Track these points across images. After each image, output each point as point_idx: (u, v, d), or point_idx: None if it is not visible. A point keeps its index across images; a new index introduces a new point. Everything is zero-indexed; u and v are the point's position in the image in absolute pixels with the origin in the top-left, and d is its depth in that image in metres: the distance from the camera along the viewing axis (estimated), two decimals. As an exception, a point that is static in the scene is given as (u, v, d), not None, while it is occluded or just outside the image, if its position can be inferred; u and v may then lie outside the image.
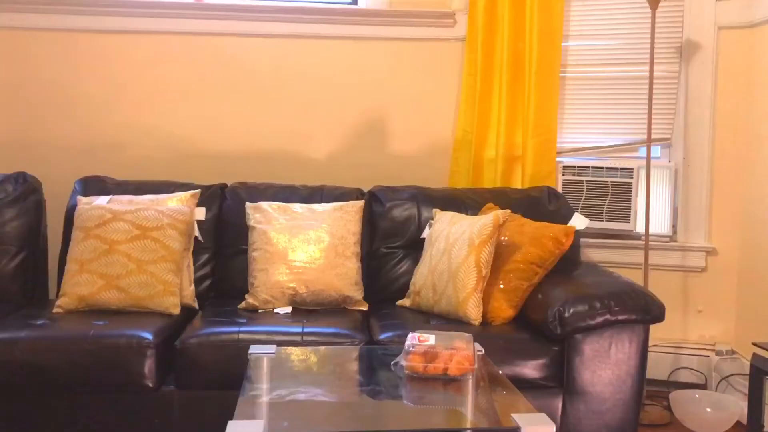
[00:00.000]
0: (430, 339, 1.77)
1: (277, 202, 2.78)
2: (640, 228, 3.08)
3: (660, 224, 3.20)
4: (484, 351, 1.93)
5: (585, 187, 3.17)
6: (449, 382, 1.69)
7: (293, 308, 2.62)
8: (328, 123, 3.25)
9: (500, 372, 1.80)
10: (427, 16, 3.24)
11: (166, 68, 3.18)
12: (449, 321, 2.46)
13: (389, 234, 2.89)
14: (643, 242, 2.98)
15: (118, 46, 3.14)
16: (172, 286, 2.51)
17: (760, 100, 3.00)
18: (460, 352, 1.72)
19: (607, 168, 3.16)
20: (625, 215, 3.13)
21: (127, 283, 2.46)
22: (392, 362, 1.80)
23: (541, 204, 2.91)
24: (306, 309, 2.62)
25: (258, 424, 1.38)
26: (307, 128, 3.24)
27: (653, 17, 2.93)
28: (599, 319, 2.21)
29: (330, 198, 2.87)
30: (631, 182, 3.11)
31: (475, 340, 2.00)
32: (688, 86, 3.15)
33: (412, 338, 1.77)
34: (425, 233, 2.80)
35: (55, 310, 2.49)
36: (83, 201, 2.69)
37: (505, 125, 3.15)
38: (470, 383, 1.70)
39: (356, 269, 2.71)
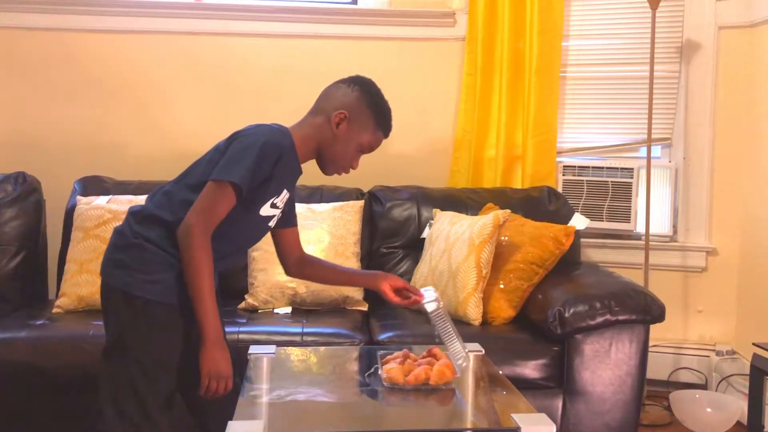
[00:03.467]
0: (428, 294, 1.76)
1: (277, 202, 2.78)
2: (640, 228, 3.08)
3: (660, 224, 3.20)
4: (484, 351, 1.93)
5: (585, 187, 3.17)
6: (431, 392, 1.62)
7: (293, 308, 2.62)
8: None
9: (500, 372, 1.80)
10: (427, 15, 3.24)
11: (166, 68, 3.17)
12: (449, 321, 2.46)
13: (389, 234, 2.89)
14: (644, 242, 2.98)
15: (118, 45, 3.14)
16: (172, 286, 2.51)
17: (760, 100, 3.00)
18: (440, 361, 1.67)
19: (607, 168, 3.15)
20: (626, 215, 3.13)
21: (126, 283, 2.46)
22: (366, 373, 1.75)
23: (541, 204, 2.91)
24: (306, 309, 2.62)
25: (258, 424, 1.37)
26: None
27: (653, 17, 2.93)
28: (599, 320, 2.20)
29: (330, 198, 2.87)
30: (631, 182, 3.11)
31: (475, 340, 1.99)
32: (688, 86, 3.14)
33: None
34: (425, 233, 2.80)
35: (54, 310, 2.49)
36: (83, 201, 2.68)
37: (505, 125, 3.15)
38: (455, 391, 1.64)
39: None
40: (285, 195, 1.72)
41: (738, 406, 2.61)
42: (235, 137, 1.65)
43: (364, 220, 2.85)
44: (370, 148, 1.75)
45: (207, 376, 1.55)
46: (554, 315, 2.23)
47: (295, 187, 1.83)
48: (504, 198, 2.90)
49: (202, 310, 1.55)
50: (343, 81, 1.75)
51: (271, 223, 1.76)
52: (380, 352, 1.80)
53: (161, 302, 1.60)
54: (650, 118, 2.99)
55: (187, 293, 1.57)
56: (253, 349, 1.90)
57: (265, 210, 1.68)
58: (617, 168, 3.14)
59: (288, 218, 1.85)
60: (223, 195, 1.57)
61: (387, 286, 1.83)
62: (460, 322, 2.44)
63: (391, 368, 1.65)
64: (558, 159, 3.20)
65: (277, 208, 1.72)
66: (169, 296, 1.60)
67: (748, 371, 2.38)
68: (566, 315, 2.20)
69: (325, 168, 1.76)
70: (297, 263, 1.91)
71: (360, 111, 1.70)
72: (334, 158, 1.73)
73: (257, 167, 1.58)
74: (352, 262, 2.70)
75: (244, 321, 2.43)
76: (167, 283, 1.60)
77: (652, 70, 2.96)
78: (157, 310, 1.60)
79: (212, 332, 1.55)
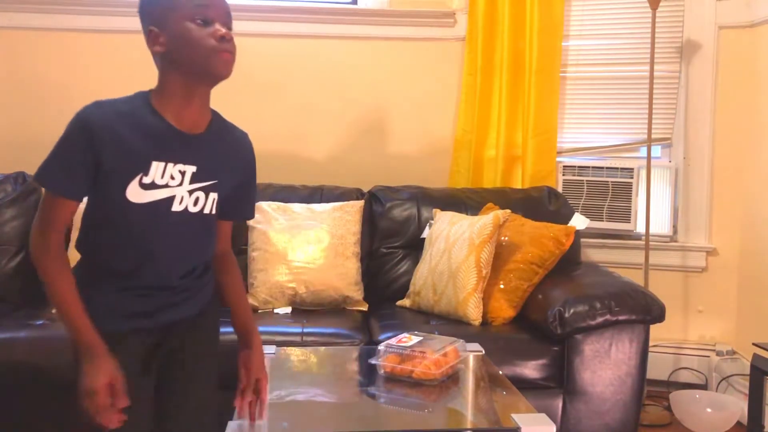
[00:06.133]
0: (412, 340, 1.77)
1: (277, 202, 2.78)
2: (640, 228, 3.08)
3: (660, 224, 3.20)
4: (484, 351, 1.93)
5: (585, 187, 3.17)
6: (416, 385, 1.68)
7: (293, 308, 2.62)
8: (328, 123, 3.24)
9: (500, 372, 1.80)
10: (427, 15, 3.24)
11: (165, 68, 3.17)
12: (449, 321, 2.46)
13: (389, 234, 2.88)
14: (644, 242, 2.98)
15: (118, 46, 3.14)
16: (172, 286, 2.50)
17: (760, 100, 3.00)
18: (429, 357, 1.70)
19: (607, 168, 3.15)
20: (626, 215, 3.13)
21: (126, 283, 2.46)
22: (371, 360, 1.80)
23: (541, 204, 2.91)
24: (306, 309, 2.62)
25: (258, 424, 1.37)
26: (307, 128, 3.24)
27: (653, 17, 2.93)
28: (599, 320, 2.20)
29: (330, 198, 2.87)
30: (631, 182, 3.11)
31: (475, 341, 1.99)
32: (688, 86, 3.14)
33: (397, 340, 1.78)
34: (425, 233, 2.80)
35: (54, 310, 2.49)
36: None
37: (505, 125, 3.15)
38: (451, 389, 1.68)
39: (356, 269, 2.71)
40: (172, 168, 1.37)
41: (738, 407, 2.61)
42: None
43: (364, 220, 2.85)
44: (201, 12, 1.36)
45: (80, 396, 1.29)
46: (554, 315, 2.23)
47: (204, 151, 1.43)
48: (504, 198, 2.90)
49: (62, 318, 1.35)
50: None
51: (188, 207, 1.40)
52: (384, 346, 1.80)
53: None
54: (650, 118, 2.99)
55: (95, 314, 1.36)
56: (253, 349, 1.90)
57: (136, 194, 1.35)
58: (617, 168, 3.14)
59: (233, 208, 1.53)
60: (48, 201, 1.35)
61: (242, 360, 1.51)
62: (460, 322, 2.44)
63: (388, 357, 1.72)
64: (558, 159, 3.20)
65: (164, 186, 1.37)
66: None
67: (748, 371, 2.38)
68: (566, 315, 2.20)
69: (209, 72, 1.38)
70: (216, 255, 1.57)
71: (153, 7, 1.44)
72: (196, 56, 1.35)
73: (62, 155, 1.35)
74: (352, 262, 2.70)
75: (244, 321, 2.42)
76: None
77: (652, 70, 2.96)
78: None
79: (79, 340, 1.33)
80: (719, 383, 2.94)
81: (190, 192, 1.41)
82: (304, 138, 3.23)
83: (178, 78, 1.38)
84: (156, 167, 1.36)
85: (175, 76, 1.38)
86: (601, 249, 3.20)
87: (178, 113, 1.40)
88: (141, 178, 1.35)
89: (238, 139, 1.53)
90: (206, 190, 1.43)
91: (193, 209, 1.41)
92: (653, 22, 2.93)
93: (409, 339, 1.78)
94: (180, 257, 1.45)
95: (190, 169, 1.40)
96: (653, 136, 3.04)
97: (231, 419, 1.40)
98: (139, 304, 1.42)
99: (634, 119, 3.19)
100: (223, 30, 1.35)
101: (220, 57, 1.35)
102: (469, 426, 1.52)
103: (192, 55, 1.35)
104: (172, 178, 1.38)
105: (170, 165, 1.37)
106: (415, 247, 2.82)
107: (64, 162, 1.33)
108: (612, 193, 3.14)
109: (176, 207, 1.39)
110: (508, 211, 2.54)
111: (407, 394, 1.64)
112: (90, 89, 3.14)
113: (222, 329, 1.61)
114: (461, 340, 1.84)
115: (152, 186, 1.36)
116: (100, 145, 1.33)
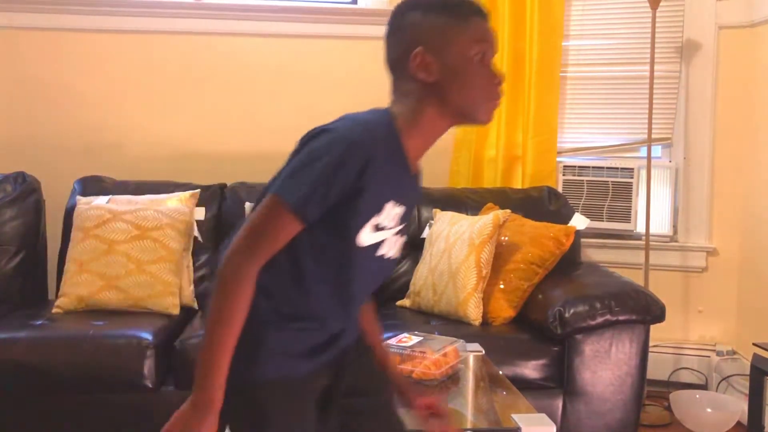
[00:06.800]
0: (412, 340, 1.77)
1: (277, 202, 2.77)
2: (640, 228, 3.08)
3: (660, 224, 3.20)
4: (484, 351, 1.93)
5: (585, 187, 3.17)
6: (428, 390, 1.68)
7: (293, 308, 2.61)
8: (327, 122, 3.23)
9: (500, 372, 1.80)
10: (427, 15, 3.23)
11: (165, 68, 3.17)
12: (449, 321, 2.46)
13: (389, 234, 2.88)
14: (644, 242, 2.98)
15: (118, 45, 3.14)
16: (172, 287, 2.50)
17: (761, 100, 2.99)
18: (429, 357, 1.71)
19: (607, 168, 3.15)
20: (626, 215, 3.12)
21: (126, 283, 2.46)
22: None
23: (542, 204, 2.90)
24: (306, 309, 2.61)
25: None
26: (308, 128, 3.22)
27: (653, 17, 2.93)
28: (600, 320, 2.20)
29: (330, 198, 2.86)
30: (631, 182, 3.11)
31: (475, 341, 2.00)
32: (688, 86, 3.14)
33: (397, 340, 1.79)
34: (425, 233, 2.79)
35: (54, 310, 2.49)
36: (82, 201, 2.68)
37: (505, 125, 3.15)
38: (450, 389, 1.69)
39: (356, 269, 2.70)
40: (394, 210, 1.20)
41: (738, 407, 2.61)
42: (314, 135, 1.21)
43: (364, 220, 2.84)
44: (488, 43, 1.18)
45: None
46: (554, 315, 2.23)
47: (414, 192, 1.28)
48: (504, 198, 2.90)
49: (207, 362, 1.10)
50: (387, 25, 1.22)
51: (386, 252, 1.23)
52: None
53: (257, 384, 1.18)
54: (650, 118, 2.98)
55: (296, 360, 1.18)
56: (252, 350, 1.90)
57: (367, 237, 1.17)
58: (617, 168, 3.14)
59: None
60: (278, 215, 1.11)
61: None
62: (460, 323, 2.44)
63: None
64: (558, 159, 3.20)
65: (386, 229, 1.20)
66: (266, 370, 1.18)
67: (748, 371, 2.38)
68: (566, 315, 2.20)
69: (474, 118, 1.24)
70: None
71: (430, 28, 1.17)
72: (470, 99, 1.20)
73: (324, 174, 1.11)
74: (352, 262, 2.69)
75: (244, 321, 2.42)
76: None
77: (652, 70, 2.96)
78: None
79: (203, 393, 1.11)
80: (719, 383, 2.94)
81: (393, 234, 1.24)
82: (304, 138, 3.23)
83: (436, 113, 1.21)
84: (387, 208, 1.18)
85: (433, 111, 1.21)
86: (601, 249, 3.20)
87: (417, 149, 1.23)
88: (375, 220, 1.17)
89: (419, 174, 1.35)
90: (400, 233, 1.27)
91: (388, 253, 1.24)
92: (653, 22, 2.93)
93: (409, 339, 1.78)
94: (363, 301, 1.33)
95: (401, 211, 1.23)
96: (653, 136, 3.04)
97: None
98: (317, 342, 1.23)
99: (634, 119, 3.19)
100: (502, 75, 1.20)
101: (492, 106, 1.21)
102: (469, 426, 1.52)
103: (465, 97, 1.19)
104: (393, 221, 1.21)
105: (396, 206, 1.20)
106: (415, 247, 2.82)
107: (324, 182, 1.10)
108: (612, 193, 3.13)
109: (380, 251, 1.22)
110: (508, 211, 2.54)
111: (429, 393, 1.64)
112: (90, 89, 3.14)
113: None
114: (461, 341, 1.84)
115: (379, 229, 1.19)
116: (368, 178, 1.11)
